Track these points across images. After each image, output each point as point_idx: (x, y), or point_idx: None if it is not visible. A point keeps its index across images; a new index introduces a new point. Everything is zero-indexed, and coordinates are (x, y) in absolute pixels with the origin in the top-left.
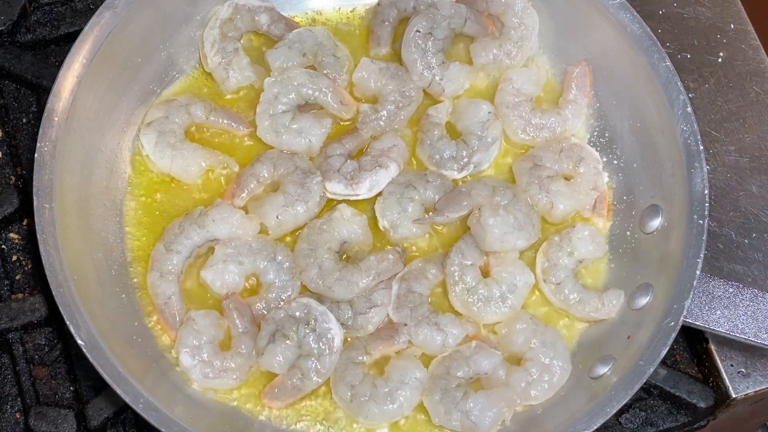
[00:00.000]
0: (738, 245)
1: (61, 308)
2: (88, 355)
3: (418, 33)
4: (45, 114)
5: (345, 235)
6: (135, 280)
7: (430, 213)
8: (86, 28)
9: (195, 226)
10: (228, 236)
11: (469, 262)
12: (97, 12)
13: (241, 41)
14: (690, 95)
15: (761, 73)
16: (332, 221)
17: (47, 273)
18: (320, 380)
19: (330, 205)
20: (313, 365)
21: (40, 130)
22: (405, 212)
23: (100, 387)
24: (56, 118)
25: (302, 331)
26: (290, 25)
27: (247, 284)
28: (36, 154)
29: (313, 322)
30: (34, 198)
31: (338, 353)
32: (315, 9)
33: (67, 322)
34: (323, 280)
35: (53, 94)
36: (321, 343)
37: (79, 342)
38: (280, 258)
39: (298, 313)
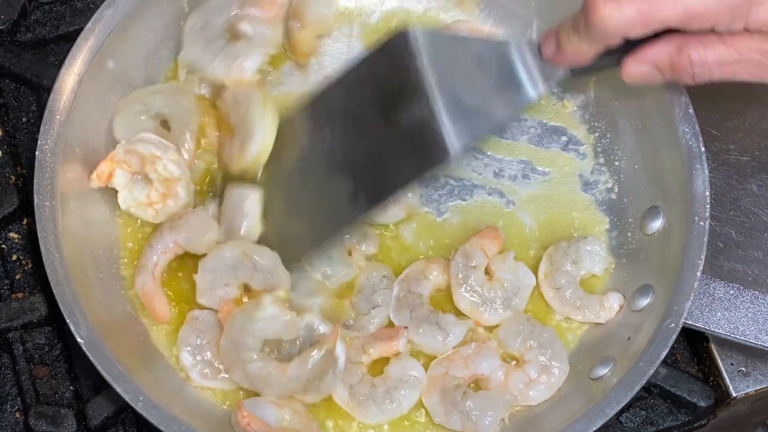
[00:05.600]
0: (738, 244)
1: (61, 306)
2: (88, 353)
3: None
4: (46, 112)
5: (268, 333)
6: (133, 279)
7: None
8: (87, 26)
9: (169, 226)
10: (186, 245)
11: (473, 264)
12: (99, 10)
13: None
14: (690, 93)
15: None
16: (253, 320)
17: (47, 271)
18: (320, 397)
19: None
20: (315, 383)
21: (41, 127)
22: None
23: (100, 386)
24: (57, 116)
25: (306, 348)
26: None
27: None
28: (37, 152)
29: (319, 341)
30: (35, 196)
31: (341, 375)
32: None
33: (67, 320)
34: (252, 384)
35: (54, 92)
36: (325, 363)
37: (79, 340)
38: (263, 263)
39: (303, 331)
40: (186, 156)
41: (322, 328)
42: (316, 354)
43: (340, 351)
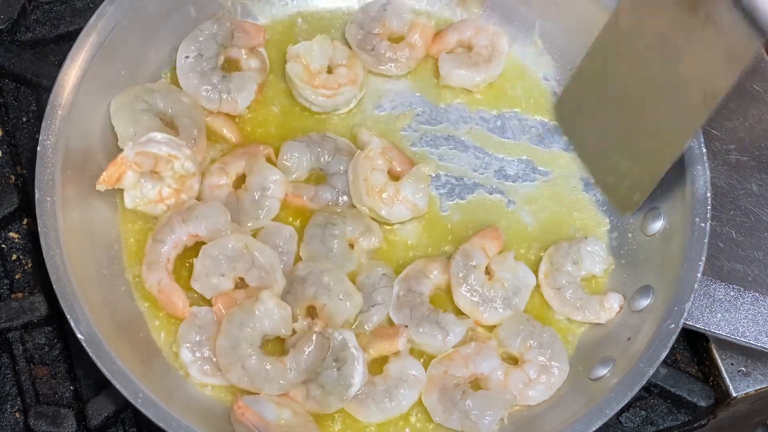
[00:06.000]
0: (738, 244)
1: (61, 302)
2: (88, 349)
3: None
4: (48, 107)
5: (267, 327)
6: (134, 275)
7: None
8: (90, 22)
9: (180, 219)
10: (208, 235)
11: (473, 263)
12: (101, 6)
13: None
14: None
15: (761, 71)
16: (252, 314)
17: (48, 266)
18: (318, 410)
19: None
20: (318, 395)
21: (43, 122)
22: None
23: (100, 386)
24: (59, 112)
25: (328, 360)
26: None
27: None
28: (38, 147)
29: (342, 359)
30: (36, 190)
31: (347, 401)
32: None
33: (67, 316)
34: (251, 382)
35: (57, 86)
36: (338, 384)
37: (79, 336)
38: (262, 260)
39: (336, 343)
40: (198, 154)
41: (353, 345)
42: (310, 345)
43: (359, 367)
